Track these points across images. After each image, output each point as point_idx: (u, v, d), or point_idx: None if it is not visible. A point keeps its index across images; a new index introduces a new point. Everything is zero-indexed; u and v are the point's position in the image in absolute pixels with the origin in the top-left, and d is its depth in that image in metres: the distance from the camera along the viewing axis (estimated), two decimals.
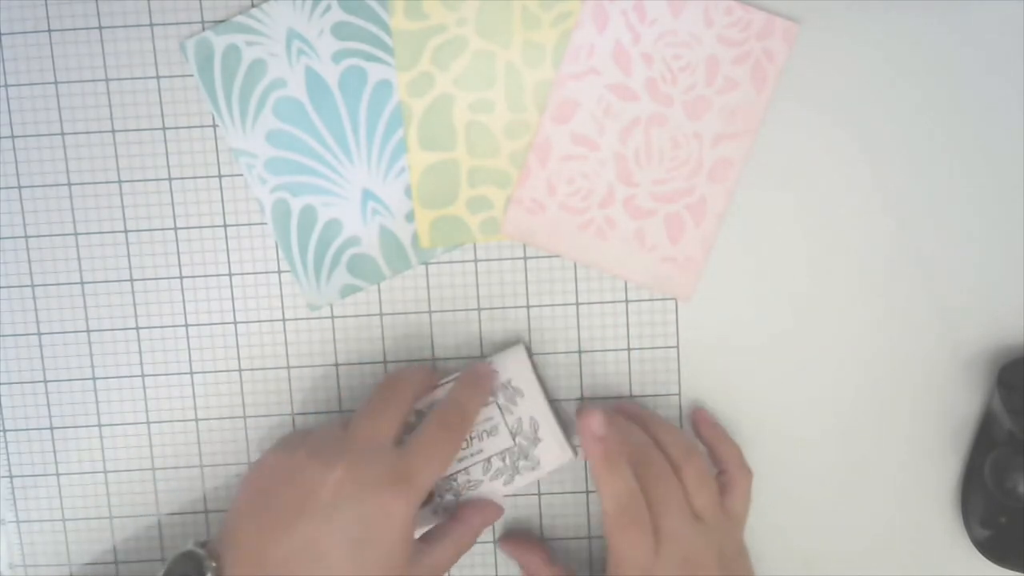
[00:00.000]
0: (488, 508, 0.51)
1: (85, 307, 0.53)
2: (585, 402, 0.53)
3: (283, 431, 0.54)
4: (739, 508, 0.50)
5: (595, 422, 0.47)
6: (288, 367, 0.53)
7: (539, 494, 0.54)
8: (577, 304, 0.53)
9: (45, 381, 0.54)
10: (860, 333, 0.52)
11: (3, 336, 0.53)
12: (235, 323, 0.53)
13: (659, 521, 0.47)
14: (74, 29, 0.52)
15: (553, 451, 0.51)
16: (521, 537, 0.53)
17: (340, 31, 0.51)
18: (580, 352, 0.53)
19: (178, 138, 0.52)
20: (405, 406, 0.49)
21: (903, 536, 0.53)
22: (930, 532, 0.53)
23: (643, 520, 0.46)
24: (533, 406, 0.51)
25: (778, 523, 0.53)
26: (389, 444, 0.47)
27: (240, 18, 0.51)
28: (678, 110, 0.52)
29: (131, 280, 0.53)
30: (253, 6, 0.52)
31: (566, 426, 0.53)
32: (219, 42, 0.52)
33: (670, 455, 0.49)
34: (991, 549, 0.52)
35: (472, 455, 0.51)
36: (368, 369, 0.53)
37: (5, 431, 0.54)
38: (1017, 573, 0.52)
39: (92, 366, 0.53)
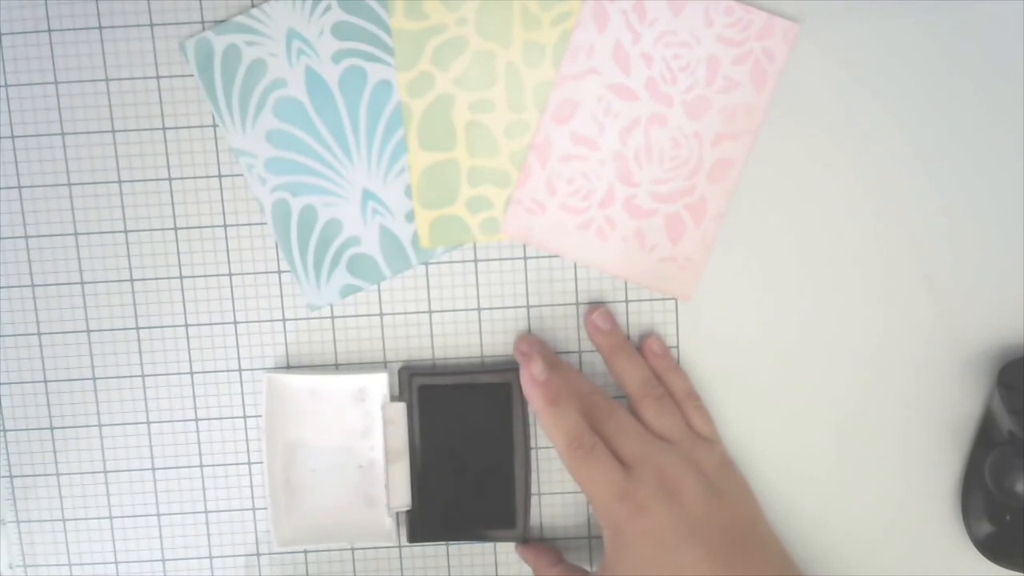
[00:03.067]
0: None
1: (85, 307, 0.53)
2: (524, 334, 0.50)
3: None
4: (705, 428, 0.51)
5: (536, 367, 0.46)
6: (288, 367, 0.53)
7: (539, 494, 0.54)
8: (577, 304, 0.53)
9: (45, 381, 0.54)
10: (860, 333, 0.52)
11: (3, 336, 0.53)
12: (235, 323, 0.53)
13: (621, 450, 0.47)
14: (74, 29, 0.52)
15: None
16: (534, 543, 0.53)
17: (340, 31, 0.51)
18: (580, 352, 0.53)
19: (178, 138, 0.52)
20: None
21: (903, 536, 0.53)
22: (930, 532, 0.53)
23: (598, 446, 0.46)
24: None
25: (777, 523, 0.53)
26: None
27: (240, 18, 0.51)
28: (678, 110, 0.51)
29: (131, 280, 0.53)
30: (253, 6, 0.52)
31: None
32: (219, 42, 0.52)
33: (628, 391, 0.50)
34: (991, 548, 0.52)
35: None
36: (368, 369, 0.53)
37: (5, 431, 0.54)
38: (1018, 573, 0.52)
39: (92, 366, 0.53)
